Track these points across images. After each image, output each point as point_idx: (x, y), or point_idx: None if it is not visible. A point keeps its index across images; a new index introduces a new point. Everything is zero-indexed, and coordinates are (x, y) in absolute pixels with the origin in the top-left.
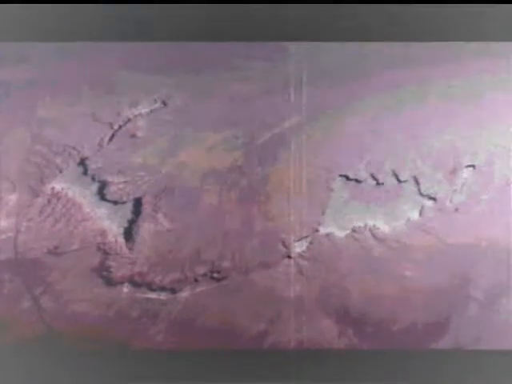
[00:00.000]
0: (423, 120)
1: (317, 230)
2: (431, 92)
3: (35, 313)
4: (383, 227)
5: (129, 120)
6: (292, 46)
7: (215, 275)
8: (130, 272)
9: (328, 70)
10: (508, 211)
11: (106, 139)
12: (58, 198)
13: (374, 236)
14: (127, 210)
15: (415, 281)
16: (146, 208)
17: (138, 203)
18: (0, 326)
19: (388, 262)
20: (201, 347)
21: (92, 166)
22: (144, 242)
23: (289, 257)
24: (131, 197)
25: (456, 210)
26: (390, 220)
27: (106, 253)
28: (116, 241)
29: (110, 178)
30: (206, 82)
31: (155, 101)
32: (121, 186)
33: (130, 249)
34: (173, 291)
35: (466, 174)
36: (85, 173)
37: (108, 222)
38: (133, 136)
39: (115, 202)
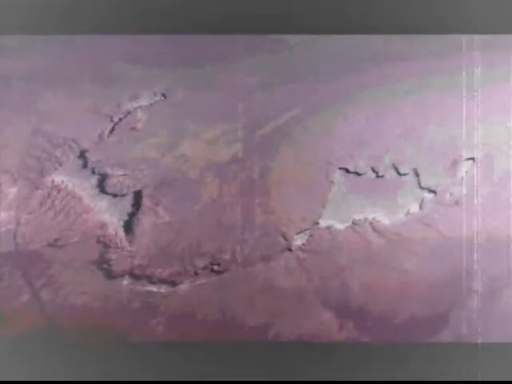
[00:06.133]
0: (423, 113)
1: (317, 223)
2: (431, 85)
3: (35, 305)
4: (383, 220)
5: (129, 113)
6: (292, 39)
7: (215, 268)
8: (130, 265)
9: (328, 63)
10: (508, 204)
11: (106, 132)
12: (58, 191)
13: (374, 229)
14: (127, 203)
15: (415, 273)
16: (146, 201)
17: (137, 196)
18: (0, 319)
19: (388, 254)
20: (200, 340)
21: (92, 158)
22: (144, 234)
23: (289, 249)
24: (131, 189)
25: (456, 202)
26: (390, 213)
27: (106, 245)
28: (116, 233)
29: (109, 171)
30: (205, 75)
31: (155, 94)
32: (121, 178)
33: (130, 241)
34: (173, 284)
35: (466, 167)
36: (85, 165)
37: (108, 215)
38: (133, 129)
39: (115, 195)
